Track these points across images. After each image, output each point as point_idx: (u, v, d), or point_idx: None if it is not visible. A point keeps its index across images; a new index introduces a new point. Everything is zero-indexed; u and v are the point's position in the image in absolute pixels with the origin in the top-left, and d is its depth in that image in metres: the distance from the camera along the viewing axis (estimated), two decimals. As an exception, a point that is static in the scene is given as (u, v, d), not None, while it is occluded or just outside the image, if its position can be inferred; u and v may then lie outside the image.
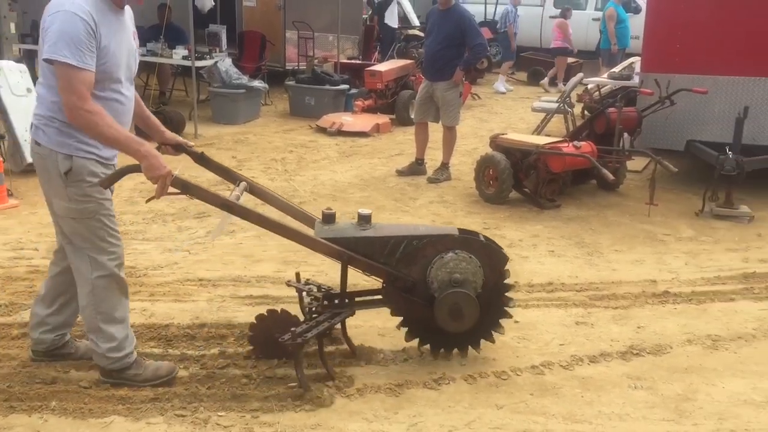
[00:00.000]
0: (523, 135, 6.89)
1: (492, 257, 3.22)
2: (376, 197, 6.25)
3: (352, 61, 12.09)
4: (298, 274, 3.49)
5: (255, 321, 3.29)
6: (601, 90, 8.52)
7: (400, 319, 3.28)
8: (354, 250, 3.12)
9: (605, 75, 9.39)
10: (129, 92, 2.95)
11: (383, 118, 9.48)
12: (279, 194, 3.48)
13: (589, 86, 9.27)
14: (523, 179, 6.00)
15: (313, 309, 3.20)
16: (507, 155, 5.97)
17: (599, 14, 14.23)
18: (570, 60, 13.91)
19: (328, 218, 3.25)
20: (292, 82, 10.34)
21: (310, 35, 11.60)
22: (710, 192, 5.76)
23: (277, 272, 4.41)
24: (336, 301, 3.23)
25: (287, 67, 11.91)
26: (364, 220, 3.24)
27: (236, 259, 4.66)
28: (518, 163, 5.95)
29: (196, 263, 4.55)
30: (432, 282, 3.15)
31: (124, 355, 3.01)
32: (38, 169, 2.88)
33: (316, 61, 11.18)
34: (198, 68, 8.94)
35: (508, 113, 11.30)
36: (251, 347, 3.32)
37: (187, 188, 2.89)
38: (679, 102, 6.12)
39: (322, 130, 9.07)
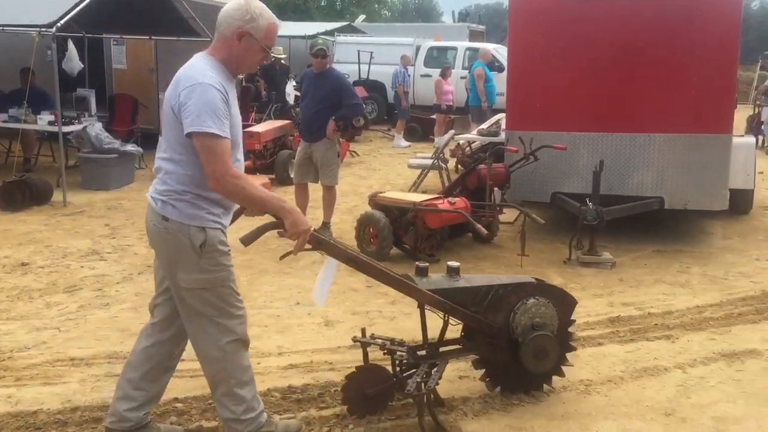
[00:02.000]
0: (400, 193, 7.08)
1: (564, 302, 3.57)
2: (258, 260, 6.18)
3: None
4: (363, 330, 3.57)
5: (347, 379, 3.36)
6: (472, 146, 8.94)
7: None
8: (452, 300, 3.35)
9: (475, 131, 9.86)
10: (242, 156, 3.04)
11: (262, 179, 9.43)
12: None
13: (461, 142, 9.71)
14: (403, 236, 6.15)
15: (404, 361, 3.39)
16: (386, 213, 6.11)
17: (466, 72, 15.00)
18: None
19: (422, 271, 3.46)
20: (167, 145, 10.13)
21: (185, 97, 11.45)
22: (575, 241, 6.13)
23: (155, 346, 4.25)
24: (425, 353, 3.43)
25: (162, 130, 11.69)
26: (455, 271, 3.50)
27: (111, 333, 4.45)
28: (397, 221, 6.10)
29: (67, 341, 4.31)
30: (516, 327, 3.40)
31: (257, 414, 3.02)
32: (164, 245, 2.88)
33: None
34: (65, 133, 8.60)
35: (387, 170, 11.57)
36: (346, 405, 3.37)
37: (320, 244, 3.09)
38: (542, 157, 6.51)
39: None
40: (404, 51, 16.04)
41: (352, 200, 8.81)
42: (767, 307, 5.00)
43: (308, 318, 4.81)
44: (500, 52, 15.49)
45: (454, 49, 17.61)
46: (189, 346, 3.06)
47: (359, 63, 17.32)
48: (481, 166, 6.71)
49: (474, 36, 21.74)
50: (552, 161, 6.66)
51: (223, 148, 2.74)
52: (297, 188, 7.16)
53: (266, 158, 9.99)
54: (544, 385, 3.61)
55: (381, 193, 6.52)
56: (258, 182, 8.98)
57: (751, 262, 6.19)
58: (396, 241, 6.18)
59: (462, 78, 15.30)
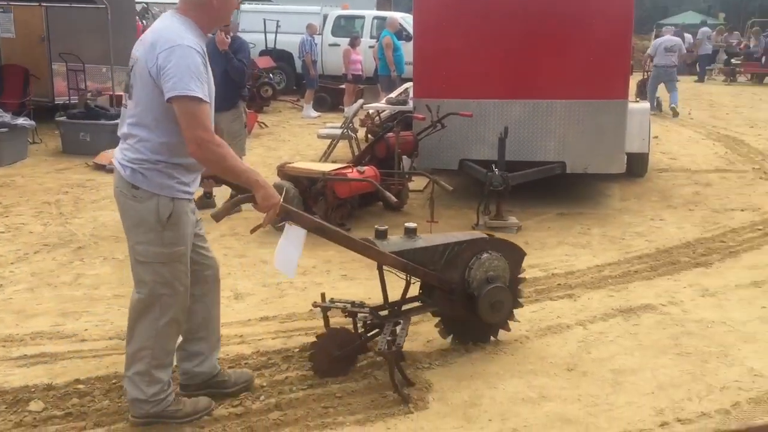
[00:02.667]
0: (309, 163, 7.02)
1: (514, 254, 3.76)
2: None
3: (129, 93, 11.56)
4: (323, 295, 3.74)
5: (314, 342, 3.48)
6: (381, 115, 8.94)
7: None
8: (412, 260, 3.48)
9: (384, 100, 9.86)
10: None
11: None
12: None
13: (370, 112, 9.69)
14: (313, 206, 6.10)
15: (368, 323, 3.55)
16: (295, 183, 6.05)
17: (374, 41, 14.94)
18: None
19: (382, 234, 3.57)
20: (63, 118, 9.65)
21: (80, 67, 10.91)
22: (483, 206, 6.26)
23: (54, 326, 4.08)
24: (388, 312, 3.57)
25: (57, 102, 11.11)
26: (412, 232, 3.63)
27: (6, 316, 4.24)
28: (306, 191, 6.05)
29: (-43, 327, 4.07)
30: (472, 282, 3.58)
31: (167, 395, 2.99)
32: (130, 212, 2.82)
33: (89, 94, 10.54)
34: (-51, 107, 8.05)
35: (296, 140, 11.43)
36: (312, 366, 3.47)
37: (288, 214, 3.12)
38: (449, 125, 6.58)
39: (101, 168, 8.55)
40: (311, 20, 15.79)
41: (261, 172, 8.36)
42: (661, 263, 5.26)
43: (217, 292, 4.72)
44: (408, 20, 15.47)
45: (362, 17, 17.47)
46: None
47: (265, 32, 16.94)
48: (390, 134, 6.72)
49: (382, 4, 21.64)
50: (459, 129, 6.74)
51: (205, 112, 2.71)
52: None
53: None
54: (492, 337, 3.86)
55: (290, 163, 6.44)
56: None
57: (646, 222, 6.50)
58: (306, 212, 6.12)
59: (371, 47, 15.23)
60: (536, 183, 6.81)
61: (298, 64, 15.90)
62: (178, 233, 2.84)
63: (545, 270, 5.15)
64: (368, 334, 3.58)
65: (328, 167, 6.22)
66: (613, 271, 5.12)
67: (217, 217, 2.98)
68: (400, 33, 14.23)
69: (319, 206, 6.08)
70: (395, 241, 3.59)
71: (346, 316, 3.72)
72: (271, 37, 17.04)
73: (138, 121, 2.78)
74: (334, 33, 17.03)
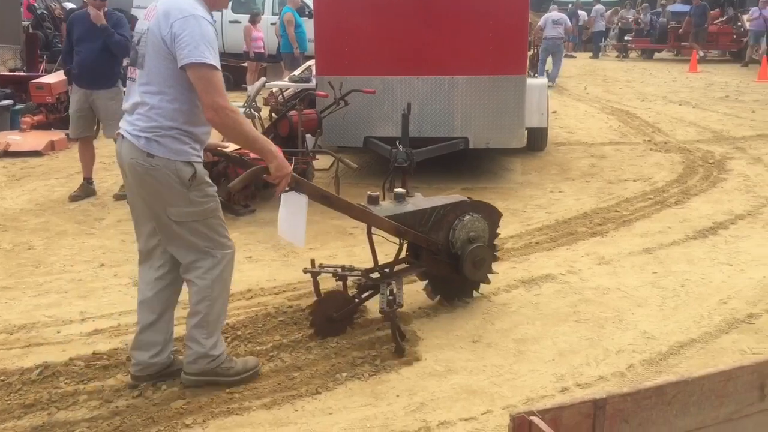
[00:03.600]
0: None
1: (492, 215, 4.03)
2: (56, 222, 5.71)
3: (15, 74, 10.87)
4: (313, 261, 3.86)
5: (314, 305, 3.66)
6: (284, 93, 8.76)
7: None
8: (404, 223, 3.69)
9: (287, 78, 9.68)
10: None
11: (58, 135, 8.69)
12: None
13: (273, 90, 9.50)
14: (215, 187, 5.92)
15: (362, 284, 3.78)
16: (195, 165, 5.85)
17: (276, 18, 14.64)
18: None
19: (374, 200, 3.76)
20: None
21: (-42, 44, 10.17)
22: (388, 183, 6.25)
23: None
24: (378, 274, 3.78)
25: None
26: (401, 197, 3.88)
27: None
28: (208, 172, 5.85)
29: None
30: (456, 242, 3.82)
31: (222, 352, 3.13)
32: (150, 181, 2.85)
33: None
34: None
35: (197, 120, 11.08)
36: (312, 328, 3.63)
37: (299, 184, 3.24)
38: (353, 102, 6.52)
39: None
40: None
41: (161, 153, 8.35)
42: (560, 234, 5.43)
43: (114, 279, 4.53)
44: (310, -3, 15.26)
45: (263, -7, 17.08)
46: None
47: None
48: (292, 112, 6.60)
49: (283, -19, 21.21)
50: (363, 106, 6.70)
51: (219, 79, 2.79)
52: (80, 144, 6.59)
53: (60, 112, 9.15)
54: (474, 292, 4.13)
55: (189, 144, 6.21)
56: (53, 138, 8.19)
57: (546, 194, 6.69)
58: (207, 194, 5.95)
59: (272, 24, 14.92)
60: (441, 159, 6.88)
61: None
62: (203, 191, 2.95)
63: (450, 244, 5.21)
64: (362, 296, 3.80)
65: (230, 147, 6.03)
66: (515, 243, 5.25)
67: (235, 187, 3.14)
68: (302, 9, 13.99)
69: (221, 188, 5.89)
70: (387, 206, 3.81)
71: (336, 280, 3.87)
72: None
73: (150, 89, 2.85)
74: (234, 9, 16.53)
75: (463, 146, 6.87)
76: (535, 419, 1.45)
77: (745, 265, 4.68)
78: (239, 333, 3.70)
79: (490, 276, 4.07)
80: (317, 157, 6.76)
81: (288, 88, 9.15)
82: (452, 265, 3.89)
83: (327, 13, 6.83)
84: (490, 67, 6.66)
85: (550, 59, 15.42)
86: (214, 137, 3.38)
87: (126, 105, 2.98)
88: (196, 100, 2.83)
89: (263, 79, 9.07)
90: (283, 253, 5.06)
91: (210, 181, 2.99)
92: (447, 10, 6.62)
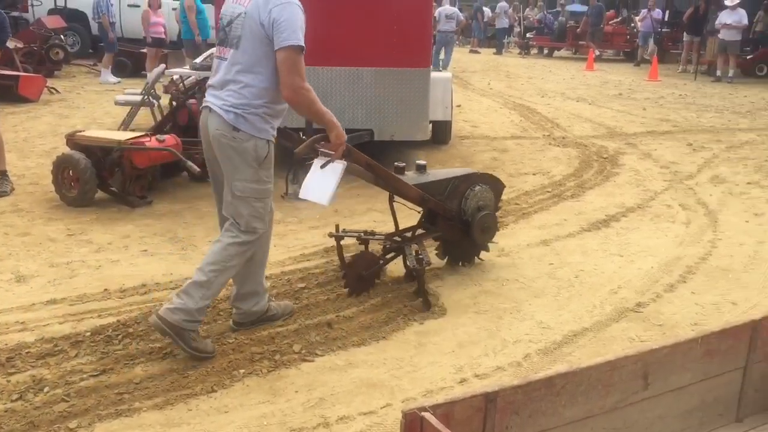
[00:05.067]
0: (103, 131, 6.51)
1: (497, 186, 4.47)
2: (-70, 214, 5.29)
3: None
4: (337, 226, 4.32)
5: (347, 264, 4.10)
6: (185, 81, 8.48)
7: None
8: (426, 192, 4.08)
9: (188, 66, 9.37)
10: None
11: None
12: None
13: (174, 77, 9.18)
14: (109, 178, 5.67)
15: (386, 247, 4.21)
16: (87, 154, 5.57)
17: (178, 4, 14.16)
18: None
19: (400, 170, 4.15)
20: None
21: None
22: (292, 175, 6.14)
23: None
24: (400, 237, 4.19)
25: None
26: (423, 168, 4.27)
27: None
28: (101, 162, 5.60)
29: None
30: (467, 210, 4.25)
31: (200, 319, 3.37)
32: (231, 153, 3.15)
33: None
34: None
35: (93, 107, 10.58)
36: (346, 284, 4.04)
37: (350, 152, 3.50)
38: (256, 91, 6.37)
39: None
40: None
41: (51, 141, 7.94)
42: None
43: (-6, 275, 4.24)
44: (213, -18, 14.84)
45: (164, -23, 16.47)
46: None
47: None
48: (192, 101, 6.39)
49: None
50: (266, 95, 6.55)
51: (302, 62, 3.11)
52: None
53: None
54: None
55: (80, 131, 5.91)
56: None
57: (450, 187, 6.75)
58: (101, 184, 5.68)
59: (174, 9, 14.42)
60: (345, 151, 6.82)
61: (93, 26, 14.67)
62: (269, 172, 3.27)
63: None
64: (386, 257, 4.21)
65: (124, 136, 5.79)
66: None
67: (300, 152, 3.43)
68: (205, -5, 13.61)
69: (116, 178, 5.67)
70: (411, 176, 4.18)
71: (360, 243, 4.30)
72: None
73: (245, 68, 3.12)
74: (132, -7, 15.92)
75: (367, 138, 6.84)
76: (427, 415, 1.43)
77: (634, 256, 4.88)
78: (131, 330, 3.54)
79: (491, 245, 4.52)
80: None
81: (189, 76, 8.86)
82: (463, 230, 4.32)
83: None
84: (394, 59, 6.66)
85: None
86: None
87: (213, 80, 3.25)
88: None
89: (162, 66, 8.72)
90: (180, 246, 4.89)
91: (272, 163, 3.27)
92: (352, 1, 6.57)
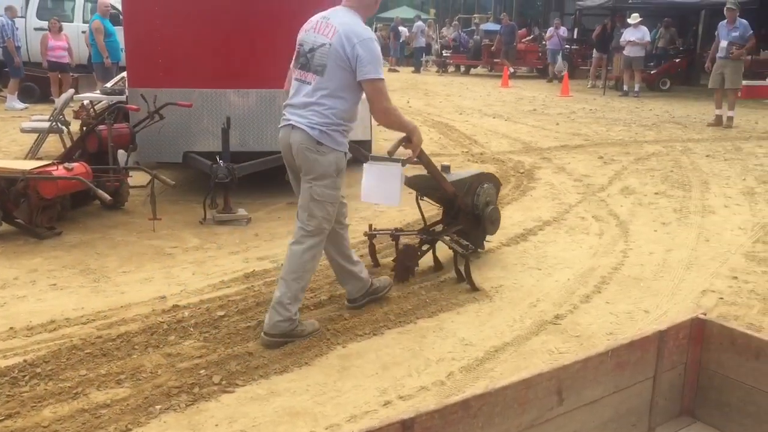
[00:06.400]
0: (7, 160, 6.21)
1: (497, 185, 5.24)
2: None
3: None
4: (371, 226, 5.00)
5: (398, 255, 4.66)
6: (95, 106, 8.23)
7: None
8: (456, 189, 4.74)
9: (98, 90, 9.11)
10: None
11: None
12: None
13: (84, 102, 8.90)
14: (13, 209, 5.40)
15: (422, 240, 4.79)
16: (-10, 185, 5.30)
17: (87, 26, 13.78)
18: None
19: (446, 168, 4.84)
20: None
21: None
22: (209, 200, 6.03)
23: None
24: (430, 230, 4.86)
25: None
26: (447, 169, 4.84)
27: None
28: (5, 192, 5.33)
29: None
30: (479, 205, 4.89)
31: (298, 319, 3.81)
32: (313, 164, 3.61)
33: None
34: None
35: (-3, 135, 10.13)
36: (394, 273, 4.63)
37: (421, 155, 4.04)
38: (170, 116, 6.23)
39: None
40: (9, 1, 14.07)
41: (-49, 172, 7.50)
42: (385, 246, 5.49)
43: None
44: (123, 4, 14.50)
45: (72, 0, 16.00)
46: None
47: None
48: (102, 127, 6.19)
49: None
50: (181, 120, 6.42)
51: (386, 88, 3.63)
52: None
53: None
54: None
55: (-19, 162, 5.62)
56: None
57: (371, 206, 6.73)
58: (6, 216, 5.41)
59: (83, 32, 14.02)
60: (264, 173, 6.75)
61: (-2, 50, 14.06)
62: (342, 181, 3.76)
63: (275, 261, 5.10)
64: (422, 248, 4.76)
65: (29, 165, 5.54)
66: (340, 257, 5.23)
67: (391, 152, 3.81)
68: (117, 17, 13.29)
69: (21, 210, 5.40)
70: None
71: (392, 240, 4.92)
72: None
73: (330, 93, 3.57)
74: (39, 16, 15.35)
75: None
76: (342, 448, 1.40)
77: (551, 269, 5.00)
78: (39, 370, 3.36)
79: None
80: (131, 174, 6.37)
81: (100, 101, 8.62)
82: (475, 223, 4.91)
83: (137, 21, 6.46)
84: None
85: None
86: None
87: (294, 101, 3.68)
88: (357, 102, 3.66)
89: (71, 90, 8.43)
90: (92, 278, 4.69)
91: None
92: (266, 21, 6.51)
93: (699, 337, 2.25)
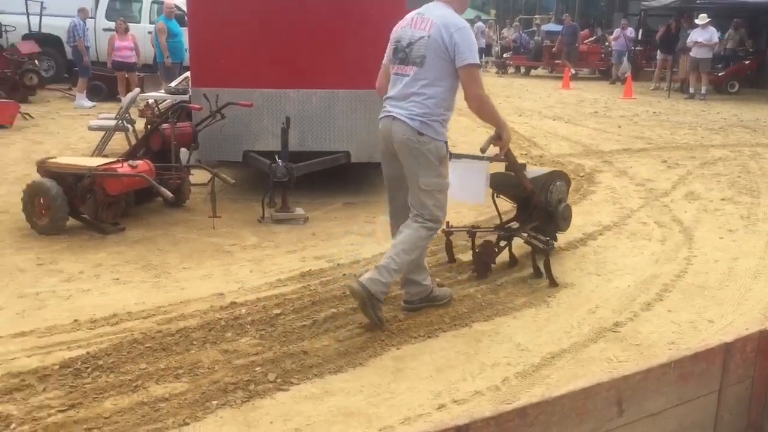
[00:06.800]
0: (74, 157, 6.41)
1: (569, 182, 5.35)
2: None
3: None
4: (448, 223, 4.73)
5: (477, 251, 4.77)
6: (159, 105, 8.44)
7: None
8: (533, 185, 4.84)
9: (163, 90, 9.34)
10: None
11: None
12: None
13: (149, 101, 9.14)
14: (80, 205, 5.58)
15: (500, 236, 4.92)
16: (58, 181, 5.48)
17: (153, 27, 14.15)
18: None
19: (524, 166, 4.91)
20: None
21: None
22: (268, 198, 6.11)
23: None
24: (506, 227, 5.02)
25: None
26: (524, 167, 4.89)
27: None
28: (72, 189, 5.51)
29: None
30: (552, 202, 4.97)
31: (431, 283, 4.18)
32: (416, 154, 3.77)
33: None
34: None
35: (67, 133, 10.48)
36: (475, 269, 4.76)
37: (508, 152, 4.29)
38: (231, 115, 6.34)
39: None
40: (81, 3, 14.56)
41: (24, 168, 7.80)
42: (440, 248, 5.46)
43: (-39, 308, 4.13)
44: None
45: (139, 1, 16.46)
46: None
47: (28, 14, 15.36)
48: (165, 126, 6.33)
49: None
50: (242, 119, 6.53)
51: (480, 76, 3.78)
52: None
53: None
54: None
55: (51, 158, 5.82)
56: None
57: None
58: (73, 212, 5.59)
59: (149, 33, 14.41)
60: (323, 173, 6.80)
61: (68, 50, 14.58)
62: (446, 168, 3.89)
63: (331, 261, 5.13)
64: (500, 244, 4.89)
65: (96, 162, 5.71)
66: (396, 258, 5.22)
67: (483, 149, 4.00)
68: (182, 18, 13.61)
69: (87, 205, 5.57)
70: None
71: (468, 236, 4.97)
72: (34, 19, 15.48)
73: (429, 83, 3.72)
74: (108, 17, 15.86)
75: (345, 160, 6.83)
76: (395, 452, 1.38)
77: (611, 275, 4.88)
78: (101, 363, 3.45)
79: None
80: (192, 172, 6.50)
81: (164, 100, 8.83)
82: (548, 219, 5.00)
83: (201, 22, 6.60)
84: (370, 81, 6.64)
85: None
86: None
87: (394, 93, 3.85)
88: (454, 91, 3.78)
89: (137, 90, 8.68)
90: (154, 273, 4.80)
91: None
92: (327, 22, 6.57)
93: (768, 350, 2.16)
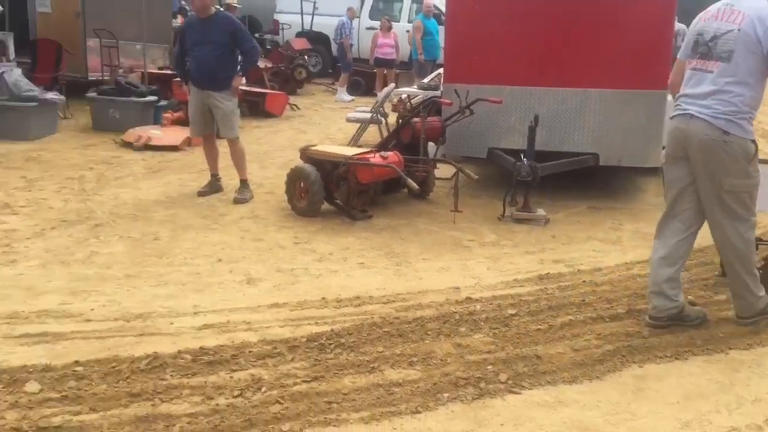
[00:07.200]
0: (333, 146, 6.85)
1: None
2: (183, 215, 5.93)
3: (162, 71, 11.52)
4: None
5: (762, 265, 4.09)
6: (412, 100, 8.72)
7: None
8: None
9: (415, 85, 9.66)
10: None
11: (195, 131, 9.08)
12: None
13: (402, 96, 9.49)
14: (334, 191, 5.96)
15: None
16: (317, 167, 5.90)
17: (411, 26, 14.71)
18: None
19: None
20: (93, 94, 9.64)
21: (114, 44, 10.90)
22: (510, 197, 6.03)
23: (62, 305, 3.99)
24: None
25: (90, 78, 11.11)
26: None
27: (15, 292, 4.17)
28: (328, 175, 5.90)
29: (-37, 301, 4.02)
30: None
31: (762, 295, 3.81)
32: (720, 154, 3.52)
33: (120, 71, 10.53)
34: (-20, 80, 8.08)
35: (327, 123, 11.31)
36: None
37: None
38: (479, 112, 6.36)
39: (128, 145, 8.55)
40: (349, 2, 15.61)
41: (288, 154, 8.54)
42: (695, 264, 5.00)
43: (230, 276, 4.61)
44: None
45: (401, 1, 17.21)
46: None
47: (302, 13, 16.81)
48: (416, 119, 6.52)
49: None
50: (489, 116, 6.52)
51: None
52: (204, 141, 6.77)
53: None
54: None
55: (312, 146, 6.28)
56: (190, 134, 8.55)
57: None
58: (327, 197, 5.98)
59: (407, 31, 15.01)
60: (567, 175, 6.57)
61: (334, 47, 15.71)
62: (756, 167, 3.58)
63: (571, 266, 4.93)
64: None
65: (351, 151, 6.06)
66: (642, 270, 4.87)
67: None
68: (439, 17, 13.98)
69: (341, 192, 5.93)
70: None
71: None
72: (307, 18, 16.90)
73: (739, 80, 3.47)
74: (371, 16, 16.81)
75: (592, 163, 6.54)
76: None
77: None
78: (343, 341, 3.63)
79: None
80: (438, 166, 6.63)
81: (416, 96, 9.12)
82: None
83: (458, 20, 6.71)
84: (626, 80, 6.29)
85: None
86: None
87: (693, 91, 3.61)
88: (764, 88, 3.53)
89: (392, 85, 9.08)
90: (395, 261, 4.97)
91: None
92: (584, 20, 6.32)
93: None
